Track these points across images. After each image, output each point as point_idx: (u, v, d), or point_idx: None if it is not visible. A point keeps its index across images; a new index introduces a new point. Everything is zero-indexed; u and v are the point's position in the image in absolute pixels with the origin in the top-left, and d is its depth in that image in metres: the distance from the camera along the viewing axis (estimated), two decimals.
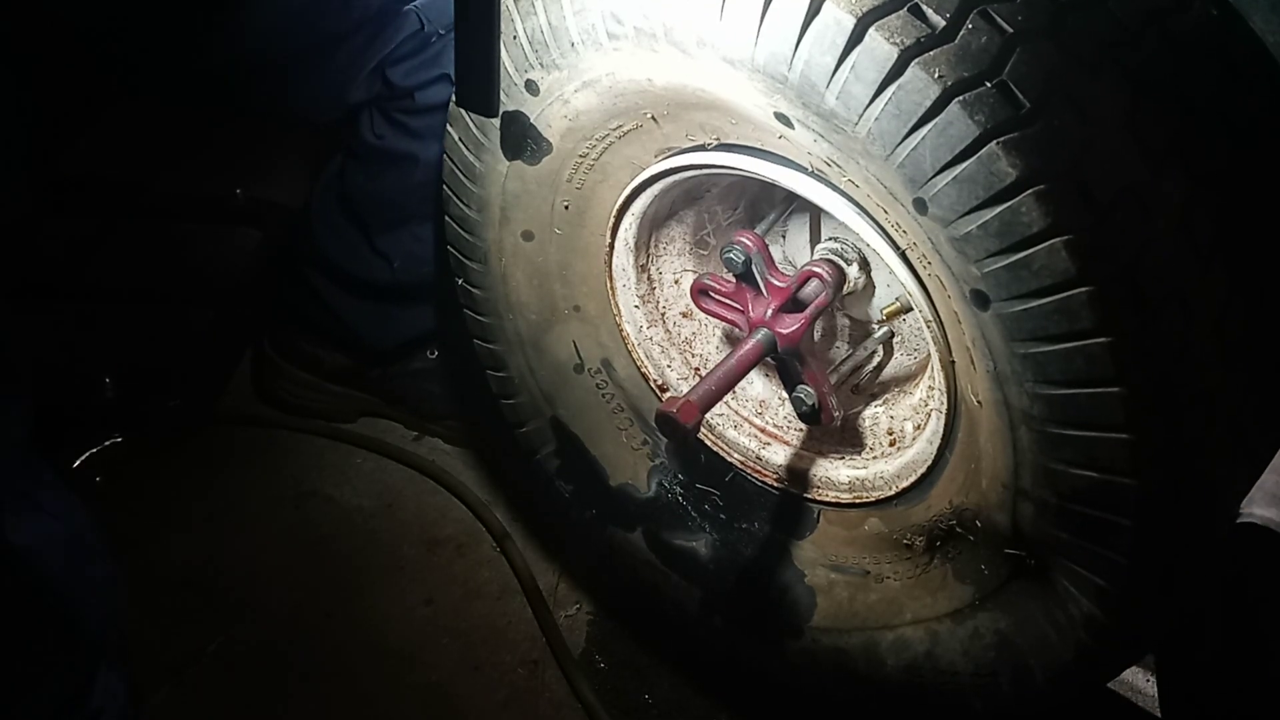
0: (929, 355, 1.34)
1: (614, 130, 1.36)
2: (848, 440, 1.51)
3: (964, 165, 1.01)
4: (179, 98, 1.74)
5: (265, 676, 1.67)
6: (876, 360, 1.54)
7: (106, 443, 1.57)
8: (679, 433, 1.31)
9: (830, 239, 1.45)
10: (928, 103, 1.01)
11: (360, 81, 1.74)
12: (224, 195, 1.99)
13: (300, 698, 1.65)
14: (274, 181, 2.14)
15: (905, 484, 1.40)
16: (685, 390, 1.43)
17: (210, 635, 1.73)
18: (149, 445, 1.92)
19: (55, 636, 1.22)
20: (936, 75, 1.01)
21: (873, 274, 1.45)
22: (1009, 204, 1.01)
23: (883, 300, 1.47)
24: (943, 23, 1.02)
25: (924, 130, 1.02)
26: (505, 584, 1.83)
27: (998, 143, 1.00)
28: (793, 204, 1.53)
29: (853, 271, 1.43)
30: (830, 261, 1.42)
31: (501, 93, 1.35)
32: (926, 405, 1.42)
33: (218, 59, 1.64)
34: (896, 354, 1.53)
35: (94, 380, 1.80)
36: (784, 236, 1.56)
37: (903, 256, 1.21)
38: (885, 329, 1.50)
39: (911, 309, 1.29)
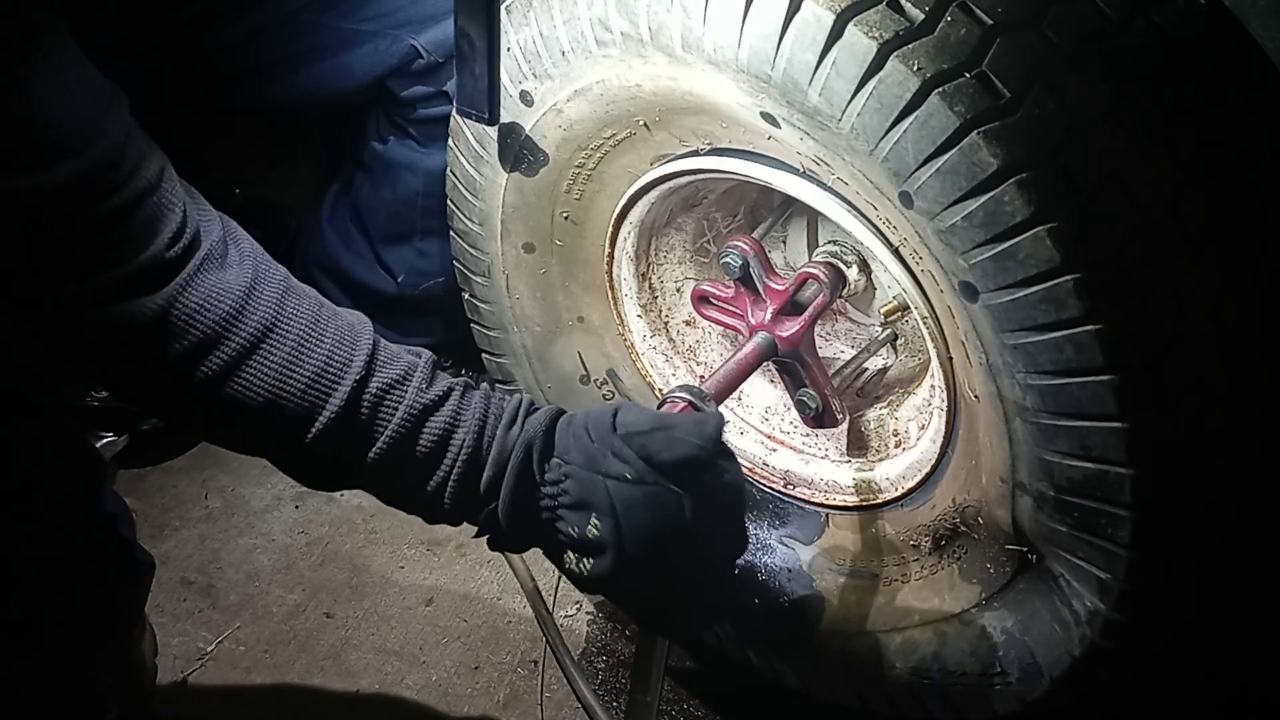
0: (930, 355, 1.34)
1: (608, 139, 1.37)
2: (854, 443, 1.51)
3: (946, 157, 1.01)
4: (179, 99, 1.77)
5: (265, 676, 1.68)
6: (880, 362, 1.54)
7: (105, 443, 1.58)
8: None
9: (829, 241, 1.45)
10: (908, 95, 1.02)
11: (360, 85, 1.78)
12: (223, 195, 2.01)
13: (300, 698, 1.65)
14: (274, 182, 2.16)
15: (911, 484, 1.39)
16: None
17: (210, 635, 1.74)
18: (148, 446, 1.93)
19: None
20: (916, 68, 1.01)
21: (872, 275, 1.45)
22: (992, 194, 1.01)
23: (883, 301, 1.47)
24: (921, 16, 1.03)
25: (905, 123, 1.02)
26: (505, 584, 1.82)
27: (978, 133, 1.00)
28: (791, 208, 1.53)
29: (852, 273, 1.43)
30: (828, 263, 1.42)
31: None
32: (929, 404, 1.41)
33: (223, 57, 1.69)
34: (900, 355, 1.52)
35: None
36: (784, 242, 1.56)
37: (895, 253, 1.21)
38: (888, 330, 1.49)
39: (909, 307, 1.29)
